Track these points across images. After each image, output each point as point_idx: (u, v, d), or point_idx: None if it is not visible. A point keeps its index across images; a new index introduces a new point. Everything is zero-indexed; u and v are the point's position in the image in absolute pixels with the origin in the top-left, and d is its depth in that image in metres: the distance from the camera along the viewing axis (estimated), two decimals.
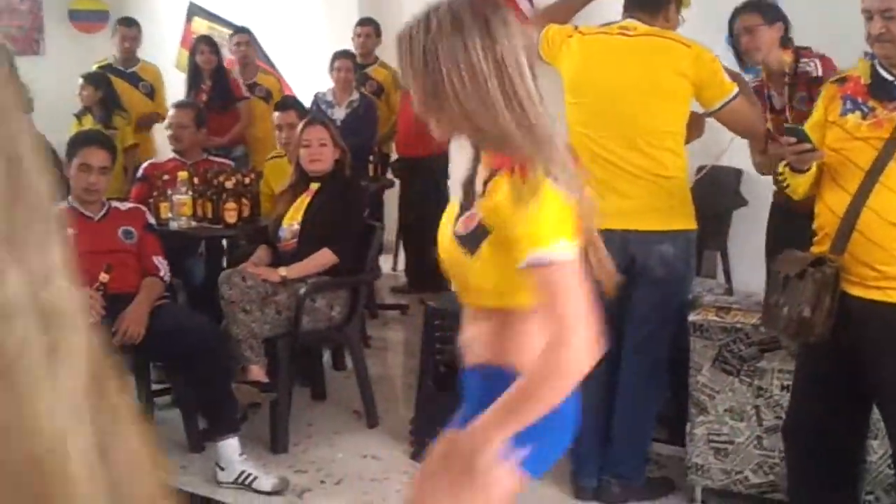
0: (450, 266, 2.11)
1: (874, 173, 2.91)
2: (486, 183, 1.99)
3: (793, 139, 2.97)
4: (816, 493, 3.33)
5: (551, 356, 1.81)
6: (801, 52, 3.97)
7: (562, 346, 1.79)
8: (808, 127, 3.22)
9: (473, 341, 2.10)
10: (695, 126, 3.72)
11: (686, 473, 3.72)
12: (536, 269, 1.86)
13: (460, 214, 2.04)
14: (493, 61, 1.91)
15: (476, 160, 2.08)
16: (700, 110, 3.69)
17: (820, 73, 3.84)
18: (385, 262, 7.15)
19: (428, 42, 1.94)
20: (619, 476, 3.74)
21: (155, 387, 4.76)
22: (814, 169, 3.04)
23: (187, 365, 4.08)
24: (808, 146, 2.96)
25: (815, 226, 3.14)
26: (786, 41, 3.95)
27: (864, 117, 2.97)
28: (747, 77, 4.04)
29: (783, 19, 4.02)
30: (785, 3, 4.18)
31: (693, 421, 3.64)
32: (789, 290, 3.06)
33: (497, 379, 1.97)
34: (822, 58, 3.88)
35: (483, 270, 1.99)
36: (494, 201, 1.94)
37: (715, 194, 5.30)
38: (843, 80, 3.08)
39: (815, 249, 3.11)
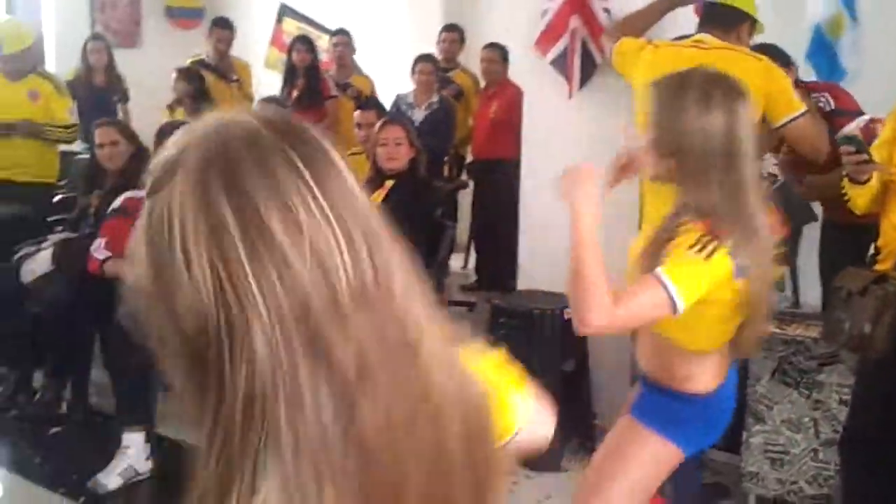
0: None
1: None
2: (679, 225, 2.26)
3: (852, 148, 2.93)
4: None
5: (603, 302, 2.12)
6: (808, 87, 3.92)
7: (614, 305, 2.13)
8: (877, 144, 3.18)
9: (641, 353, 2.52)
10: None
11: (740, 481, 3.69)
12: (648, 277, 2.17)
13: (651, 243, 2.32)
14: (728, 142, 2.23)
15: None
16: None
17: (833, 105, 3.79)
18: (456, 261, 7.19)
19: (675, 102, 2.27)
20: (674, 481, 3.70)
21: None
22: (874, 182, 3.00)
23: None
24: (864, 156, 2.92)
25: (879, 243, 3.10)
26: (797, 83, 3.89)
27: None
28: None
29: (792, 63, 4.04)
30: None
31: (750, 430, 3.61)
32: (851, 306, 3.03)
33: (656, 393, 2.46)
34: (830, 88, 3.79)
35: None
36: (677, 241, 2.22)
37: (785, 209, 5.21)
38: None
39: (878, 267, 3.07)
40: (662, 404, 2.46)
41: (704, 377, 2.41)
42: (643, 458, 2.47)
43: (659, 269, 2.18)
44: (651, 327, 2.38)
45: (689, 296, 2.17)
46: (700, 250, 2.17)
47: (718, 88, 2.26)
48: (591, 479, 2.61)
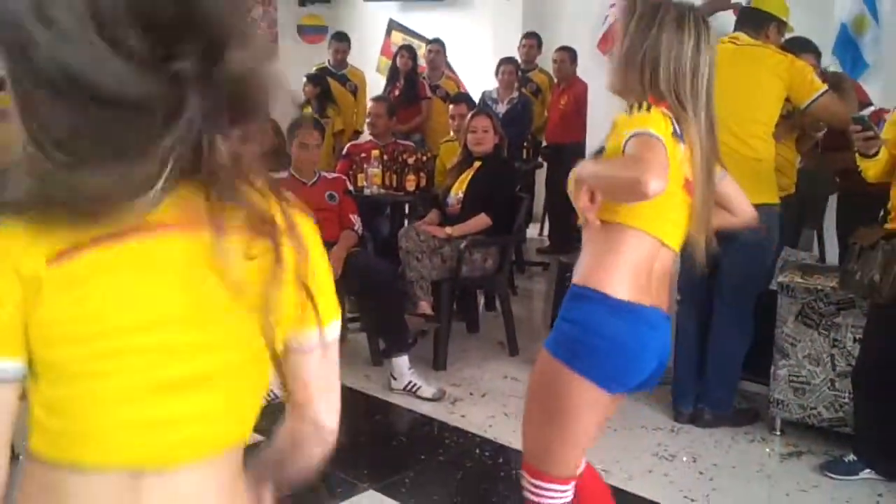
0: None
1: None
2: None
3: (858, 126, 2.88)
4: (877, 428, 3.25)
5: (631, 165, 1.77)
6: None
7: (640, 172, 1.72)
8: (889, 123, 3.11)
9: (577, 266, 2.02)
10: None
11: (768, 407, 3.65)
12: (633, 139, 1.82)
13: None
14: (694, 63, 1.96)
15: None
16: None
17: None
18: (533, 229, 7.20)
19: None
20: (712, 405, 3.70)
21: (348, 315, 4.98)
22: (882, 156, 2.94)
23: (373, 298, 4.21)
24: (871, 133, 2.87)
25: (889, 206, 3.04)
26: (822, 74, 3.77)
27: None
28: None
29: (817, 52, 3.91)
30: None
31: (777, 364, 3.57)
32: (863, 258, 3.00)
33: (580, 299, 1.94)
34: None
35: None
36: (615, 120, 1.95)
37: (814, 181, 5.09)
38: None
39: (889, 226, 3.01)
40: (571, 332, 1.95)
41: (628, 284, 1.90)
42: (560, 397, 1.95)
43: (627, 134, 1.84)
44: (615, 217, 1.93)
45: (662, 132, 1.85)
46: (638, 108, 1.91)
47: (691, 17, 2.01)
48: (526, 414, 2.11)
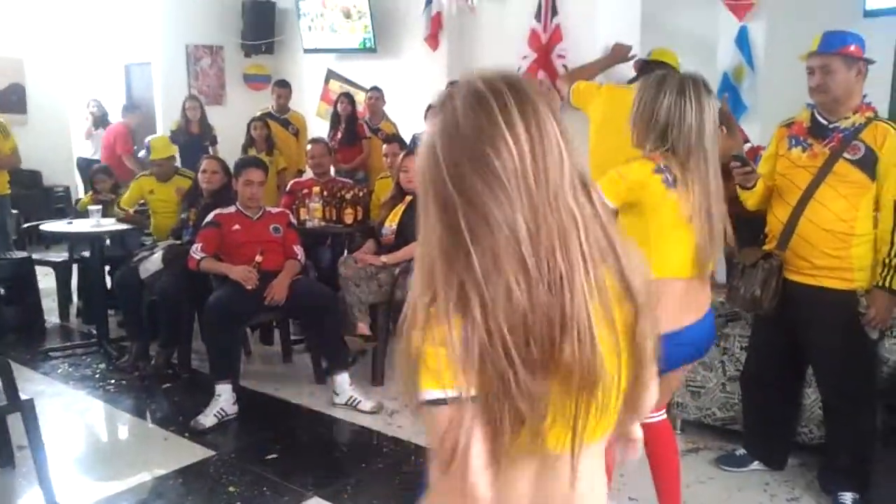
0: None
1: (809, 191, 2.92)
2: None
3: (738, 163, 3.00)
4: (763, 426, 3.34)
5: None
6: None
7: None
8: (764, 158, 3.23)
9: None
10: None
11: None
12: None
13: None
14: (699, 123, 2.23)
15: None
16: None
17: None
18: None
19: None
20: None
21: (294, 337, 4.93)
22: (759, 188, 3.05)
23: (316, 321, 4.20)
24: (748, 168, 2.99)
25: (766, 231, 3.15)
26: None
27: (803, 151, 2.98)
28: None
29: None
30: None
31: None
32: (746, 276, 3.07)
33: None
34: None
35: None
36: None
37: None
38: (790, 124, 3.09)
39: (766, 247, 3.12)
40: None
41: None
42: None
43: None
44: None
45: (610, 191, 2.12)
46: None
47: (691, 84, 2.24)
48: None
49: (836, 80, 2.82)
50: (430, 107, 6.77)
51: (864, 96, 2.90)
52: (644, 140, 2.28)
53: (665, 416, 2.48)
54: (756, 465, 3.33)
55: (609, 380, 0.96)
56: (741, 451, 3.38)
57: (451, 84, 1.08)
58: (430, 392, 0.92)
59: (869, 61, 2.85)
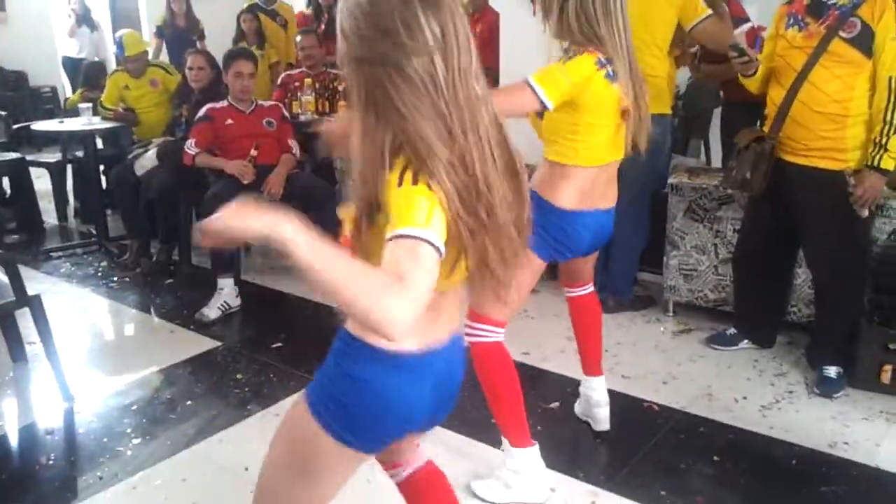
0: None
1: (803, 73, 2.89)
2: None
3: (735, 54, 2.96)
4: (754, 305, 3.43)
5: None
6: None
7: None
8: (766, 39, 3.18)
9: None
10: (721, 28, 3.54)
11: (663, 292, 3.82)
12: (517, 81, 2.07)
13: None
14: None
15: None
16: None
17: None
18: None
19: None
20: (614, 293, 3.85)
21: None
22: (760, 73, 3.03)
23: (314, 214, 4.18)
24: (746, 58, 2.96)
25: (765, 112, 3.13)
26: None
27: (799, 30, 2.93)
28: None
29: None
30: None
31: (668, 255, 3.72)
32: (739, 158, 3.09)
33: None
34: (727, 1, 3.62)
35: None
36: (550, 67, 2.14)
37: (701, 96, 5.20)
38: (791, 1, 3.02)
39: (764, 129, 3.11)
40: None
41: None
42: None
43: (528, 76, 2.01)
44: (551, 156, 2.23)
45: (553, 92, 2.01)
46: (565, 60, 2.07)
47: None
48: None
49: None
50: None
51: None
52: (563, 30, 2.14)
53: (591, 289, 2.69)
54: (745, 343, 3.43)
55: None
56: (731, 331, 3.47)
57: None
58: (420, 230, 1.07)
59: None
